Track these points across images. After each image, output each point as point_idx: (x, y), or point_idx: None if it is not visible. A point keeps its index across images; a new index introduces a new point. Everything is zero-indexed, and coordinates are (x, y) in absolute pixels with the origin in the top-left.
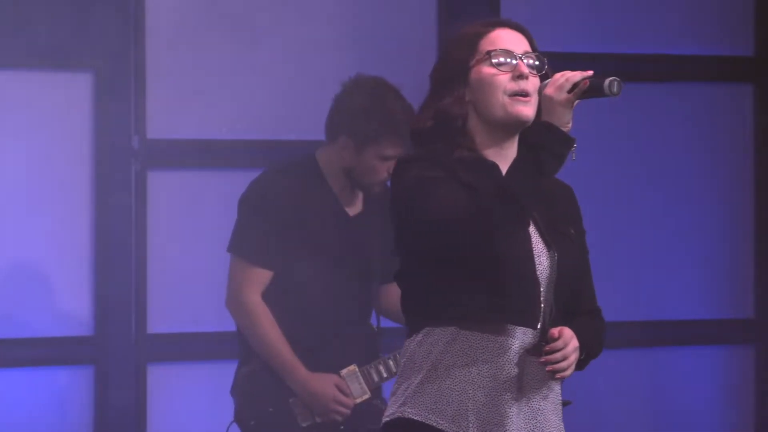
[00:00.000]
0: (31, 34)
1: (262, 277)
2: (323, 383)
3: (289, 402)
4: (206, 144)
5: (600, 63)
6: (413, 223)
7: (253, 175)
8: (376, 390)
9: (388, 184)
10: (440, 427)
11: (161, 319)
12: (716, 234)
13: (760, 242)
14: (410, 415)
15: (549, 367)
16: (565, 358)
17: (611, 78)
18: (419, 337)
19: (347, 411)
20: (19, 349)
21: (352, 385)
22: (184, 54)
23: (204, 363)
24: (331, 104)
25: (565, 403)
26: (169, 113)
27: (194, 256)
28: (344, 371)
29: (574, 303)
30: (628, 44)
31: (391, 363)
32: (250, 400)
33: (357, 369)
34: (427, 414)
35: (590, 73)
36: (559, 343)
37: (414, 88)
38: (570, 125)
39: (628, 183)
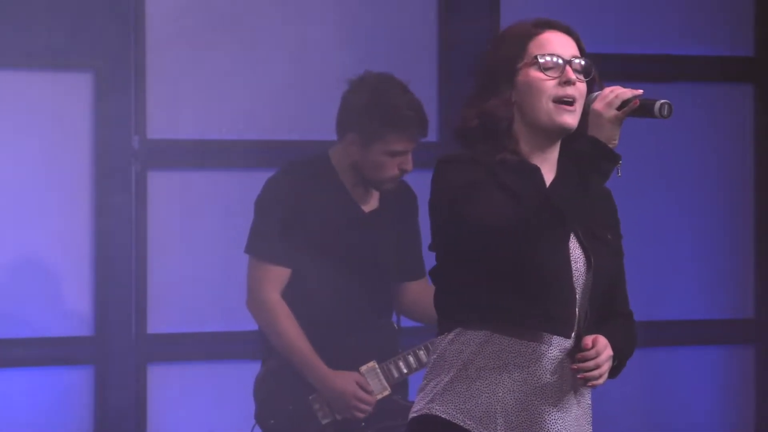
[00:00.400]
0: (31, 34)
1: (280, 275)
2: (344, 380)
3: (309, 400)
4: (206, 144)
5: (600, 63)
6: (454, 225)
7: (255, 175)
8: (396, 386)
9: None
10: (467, 427)
11: (161, 320)
12: (716, 234)
13: (760, 242)
14: (438, 413)
15: (581, 375)
16: (597, 367)
17: (663, 101)
18: (451, 335)
19: (369, 408)
20: (19, 349)
21: (371, 381)
22: (184, 54)
23: (204, 363)
24: (340, 102)
25: None
26: (170, 113)
27: (194, 256)
28: (364, 367)
29: (608, 306)
30: (628, 44)
31: (410, 358)
32: (269, 399)
33: (376, 365)
34: (454, 413)
35: (640, 92)
36: (592, 353)
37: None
38: (616, 141)
39: (628, 183)
